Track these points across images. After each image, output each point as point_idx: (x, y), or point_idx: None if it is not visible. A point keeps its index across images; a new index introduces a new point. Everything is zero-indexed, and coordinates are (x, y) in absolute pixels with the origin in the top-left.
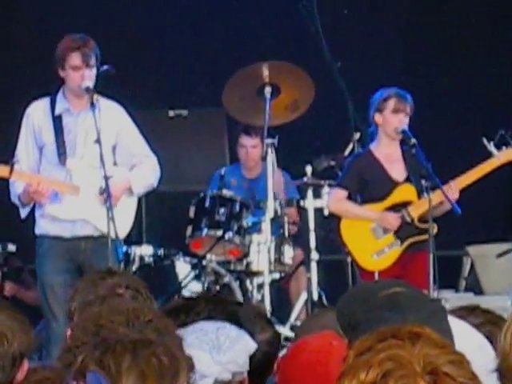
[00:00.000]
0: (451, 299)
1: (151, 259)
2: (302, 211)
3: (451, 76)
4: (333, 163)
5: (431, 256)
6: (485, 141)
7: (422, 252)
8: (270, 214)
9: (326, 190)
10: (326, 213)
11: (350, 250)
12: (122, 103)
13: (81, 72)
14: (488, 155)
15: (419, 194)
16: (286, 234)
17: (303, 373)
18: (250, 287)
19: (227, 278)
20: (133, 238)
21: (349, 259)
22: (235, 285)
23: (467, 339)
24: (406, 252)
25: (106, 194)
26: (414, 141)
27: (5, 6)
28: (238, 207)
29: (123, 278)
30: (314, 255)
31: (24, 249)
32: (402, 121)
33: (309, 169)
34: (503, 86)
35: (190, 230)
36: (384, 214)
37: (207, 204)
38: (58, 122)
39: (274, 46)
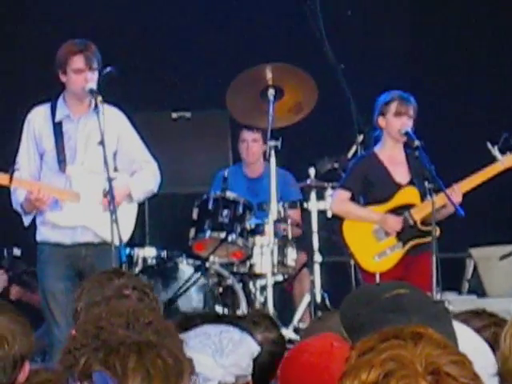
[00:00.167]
0: (454, 301)
1: (154, 261)
2: (305, 213)
3: (455, 79)
4: (336, 165)
5: (434, 258)
6: (489, 145)
7: (425, 254)
8: (273, 216)
9: (329, 192)
10: (329, 215)
11: (351, 251)
12: (121, 107)
13: (84, 75)
14: (492, 159)
15: (422, 197)
16: (289, 236)
17: (304, 374)
18: (252, 289)
19: (230, 280)
20: (136, 240)
21: (352, 261)
22: (238, 287)
23: (467, 343)
24: (408, 254)
25: (110, 196)
26: (417, 143)
27: (7, 9)
28: (241, 209)
29: (130, 279)
30: (317, 257)
31: (29, 253)
32: (404, 123)
33: (312, 171)
34: (508, 89)
35: (193, 231)
36: (386, 216)
37: (210, 206)
38: (58, 128)
39: (277, 48)
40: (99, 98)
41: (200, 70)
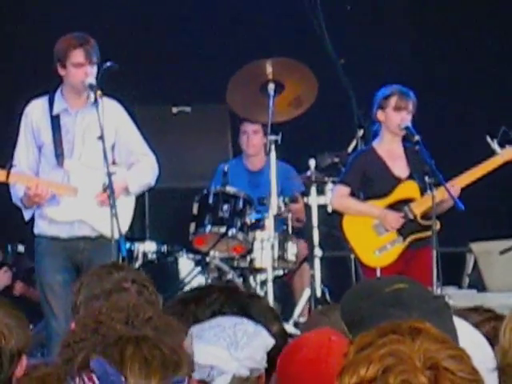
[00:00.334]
0: (454, 296)
1: (154, 256)
2: (306, 208)
3: (456, 72)
4: (336, 160)
5: (434, 252)
6: (488, 139)
7: (426, 248)
8: (273, 211)
9: (329, 186)
10: (329, 209)
11: (352, 246)
12: (120, 100)
13: (84, 69)
14: (491, 153)
15: (422, 191)
16: (290, 230)
17: (303, 369)
18: (253, 284)
19: (230, 275)
20: (136, 235)
21: (352, 256)
22: (238, 281)
23: (466, 337)
24: (408, 248)
25: (110, 190)
26: (417, 137)
27: (4, 7)
28: (241, 204)
29: (129, 273)
30: (318, 252)
31: (32, 249)
32: (404, 118)
33: (312, 162)
34: (507, 83)
35: (193, 226)
36: (386, 212)
37: (210, 200)
38: (55, 122)
39: (277, 43)
40: (99, 93)
41: (200, 65)
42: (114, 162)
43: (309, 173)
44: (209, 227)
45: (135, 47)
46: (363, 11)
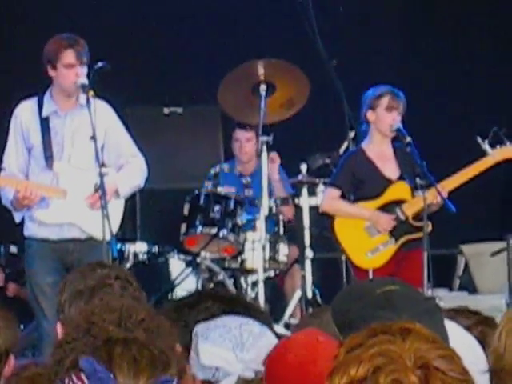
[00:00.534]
0: (445, 298)
1: (145, 256)
2: (297, 209)
3: (447, 73)
4: (328, 161)
5: (425, 254)
6: (479, 139)
7: (417, 250)
8: (264, 212)
9: (320, 188)
10: (320, 211)
11: (344, 248)
12: (109, 101)
13: (75, 70)
14: (482, 154)
15: (413, 192)
16: (281, 231)
17: (291, 370)
18: (244, 285)
19: (221, 276)
20: (127, 236)
21: (343, 257)
22: (229, 282)
23: (458, 340)
24: (400, 250)
25: (102, 191)
26: (408, 139)
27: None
28: (232, 205)
29: (113, 270)
30: (309, 253)
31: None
32: (395, 119)
33: (304, 167)
34: (498, 84)
35: (184, 227)
36: (378, 215)
37: (202, 201)
38: (45, 124)
39: (269, 44)
40: (91, 93)
41: (192, 66)
42: (103, 164)
43: (300, 177)
44: (200, 228)
45: (127, 48)
46: (355, 13)
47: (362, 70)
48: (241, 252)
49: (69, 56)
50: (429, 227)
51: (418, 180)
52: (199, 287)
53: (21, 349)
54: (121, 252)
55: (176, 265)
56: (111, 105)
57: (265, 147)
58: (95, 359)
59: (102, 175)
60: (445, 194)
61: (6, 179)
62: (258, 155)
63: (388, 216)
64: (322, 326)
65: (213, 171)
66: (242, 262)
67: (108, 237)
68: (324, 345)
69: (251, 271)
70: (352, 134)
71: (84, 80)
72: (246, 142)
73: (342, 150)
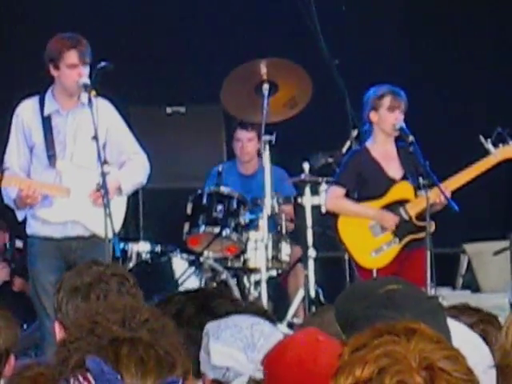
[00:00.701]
0: (448, 297)
1: (148, 256)
2: (300, 208)
3: (451, 72)
4: (330, 160)
5: (428, 253)
6: (482, 139)
7: (420, 249)
8: (267, 211)
9: (323, 187)
10: (323, 210)
11: (347, 247)
12: (111, 99)
13: (77, 69)
14: (485, 153)
15: (416, 192)
16: (284, 231)
17: (291, 370)
18: (247, 284)
19: (224, 275)
20: (130, 235)
21: (346, 256)
22: (232, 282)
23: (462, 338)
24: (403, 249)
25: (104, 189)
26: (411, 138)
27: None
28: (235, 204)
29: (109, 267)
30: (312, 252)
31: None
32: (398, 118)
33: (306, 166)
34: (501, 84)
35: (187, 226)
36: (382, 213)
37: (204, 201)
38: (47, 122)
39: (272, 43)
40: (93, 93)
41: (195, 65)
42: (105, 162)
43: (303, 176)
44: (203, 227)
45: (129, 47)
46: (358, 11)
47: (365, 69)
48: (243, 251)
49: (72, 56)
50: (432, 227)
51: (420, 179)
52: (202, 286)
53: (24, 348)
54: (124, 251)
55: (179, 264)
56: (114, 104)
57: (267, 146)
58: (101, 359)
59: (104, 174)
60: (448, 194)
61: (11, 178)
62: (260, 154)
63: (392, 214)
64: (323, 326)
65: (215, 170)
66: (245, 261)
67: (110, 235)
68: (323, 344)
69: (254, 270)
70: (355, 133)
71: (86, 80)
72: (247, 142)
73: (344, 150)
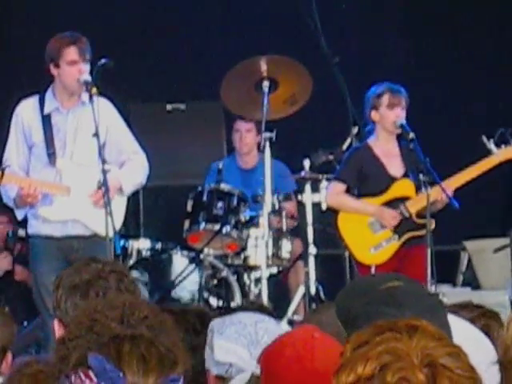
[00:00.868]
0: (448, 294)
1: (149, 253)
2: (300, 206)
3: (453, 70)
4: (331, 157)
5: (429, 251)
6: (484, 139)
7: (420, 246)
8: (267, 208)
9: (323, 184)
10: (323, 207)
11: (347, 243)
12: (110, 98)
13: (78, 66)
14: (487, 153)
15: (417, 190)
16: (284, 228)
17: (289, 368)
18: (247, 281)
19: (225, 272)
20: (130, 232)
21: (347, 253)
22: (233, 279)
23: (464, 334)
24: (403, 246)
25: (105, 187)
26: (412, 135)
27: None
28: (235, 201)
29: (107, 264)
30: (312, 249)
31: None
32: (398, 115)
33: (307, 163)
34: (504, 84)
35: (187, 223)
36: (382, 210)
37: (205, 198)
38: (47, 120)
39: (272, 40)
40: (94, 90)
41: (194, 62)
42: (105, 161)
43: (303, 173)
44: (203, 224)
45: (129, 44)
46: (358, 9)
47: (365, 66)
48: (244, 248)
49: (71, 53)
50: (432, 224)
51: (421, 176)
52: (202, 284)
53: (24, 346)
54: (124, 249)
55: (179, 261)
56: (113, 102)
57: (268, 143)
58: (103, 357)
59: (104, 172)
60: (450, 192)
61: (11, 176)
62: (261, 151)
63: (393, 211)
64: (323, 323)
65: (215, 167)
66: (245, 258)
67: (111, 234)
68: (320, 341)
69: (254, 268)
70: (355, 131)
71: (87, 77)
72: (246, 133)
73: (344, 147)
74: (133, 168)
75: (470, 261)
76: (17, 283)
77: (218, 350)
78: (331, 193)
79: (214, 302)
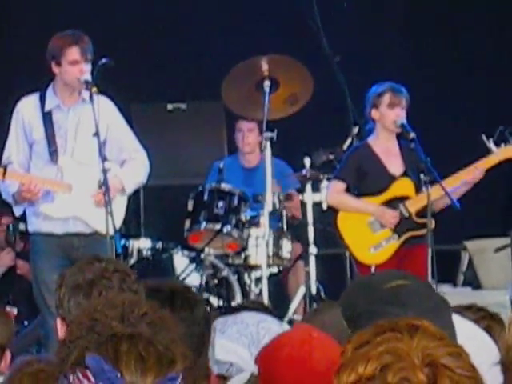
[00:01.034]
0: (449, 294)
1: (149, 252)
2: (301, 205)
3: (451, 71)
4: (331, 157)
5: (429, 250)
6: (484, 138)
7: (420, 246)
8: (268, 208)
9: (324, 183)
10: (324, 207)
11: (347, 243)
12: (111, 97)
13: (79, 66)
14: (486, 152)
15: (417, 189)
16: (285, 227)
17: (287, 367)
18: (248, 281)
19: (225, 272)
20: (131, 232)
21: (347, 253)
22: (233, 278)
23: (468, 334)
24: (403, 246)
25: (105, 186)
26: (413, 135)
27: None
28: (236, 201)
29: (110, 263)
30: (313, 249)
31: None
32: (398, 115)
33: (307, 161)
34: (504, 84)
35: (188, 223)
36: (382, 209)
37: (206, 197)
38: (47, 118)
39: (273, 40)
40: (94, 89)
41: (196, 62)
42: (105, 159)
43: (304, 171)
44: (204, 224)
45: (130, 44)
46: (359, 8)
47: (366, 66)
48: (244, 248)
49: (74, 53)
50: (432, 224)
51: (421, 176)
52: (203, 283)
53: (25, 345)
54: (125, 248)
55: (180, 261)
56: (114, 101)
57: (269, 143)
58: (101, 356)
59: (105, 171)
60: (454, 194)
61: (13, 174)
62: (262, 150)
63: (393, 211)
64: (324, 323)
65: (217, 166)
66: (246, 258)
67: (112, 232)
68: (318, 341)
69: (255, 267)
70: (355, 130)
71: (88, 77)
72: (248, 132)
73: (345, 146)
74: (134, 167)
75: (470, 261)
76: (19, 278)
77: (219, 349)
78: (331, 192)
79: (214, 301)
